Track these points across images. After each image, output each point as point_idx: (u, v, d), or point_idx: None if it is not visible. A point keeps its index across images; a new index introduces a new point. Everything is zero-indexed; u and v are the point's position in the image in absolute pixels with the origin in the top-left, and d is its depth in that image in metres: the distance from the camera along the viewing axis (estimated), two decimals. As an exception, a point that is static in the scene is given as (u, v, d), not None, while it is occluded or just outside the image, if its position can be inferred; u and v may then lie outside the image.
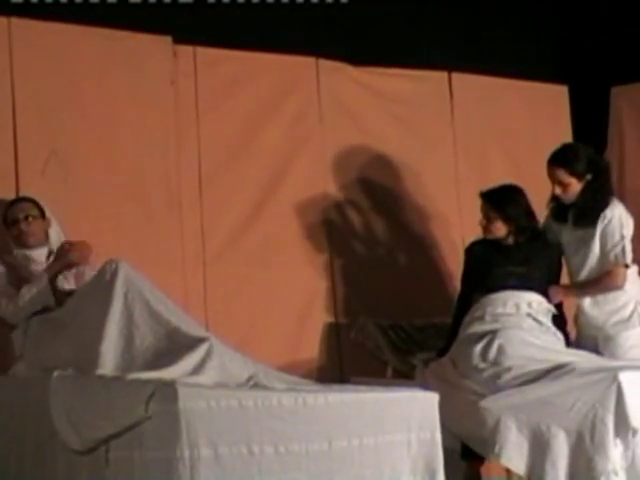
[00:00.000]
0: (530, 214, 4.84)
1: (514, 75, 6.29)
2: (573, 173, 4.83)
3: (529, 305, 4.71)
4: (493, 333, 4.61)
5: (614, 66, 6.38)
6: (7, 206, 4.70)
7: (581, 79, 6.52)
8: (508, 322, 4.66)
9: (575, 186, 4.84)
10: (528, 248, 4.80)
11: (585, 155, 4.88)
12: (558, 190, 4.86)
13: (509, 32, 6.38)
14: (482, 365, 4.53)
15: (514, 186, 4.87)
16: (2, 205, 4.77)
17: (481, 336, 4.63)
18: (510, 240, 4.84)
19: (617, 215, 4.82)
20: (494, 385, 4.46)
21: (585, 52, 6.56)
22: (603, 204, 4.83)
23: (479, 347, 4.58)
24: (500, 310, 4.69)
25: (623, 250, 4.78)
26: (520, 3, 6.45)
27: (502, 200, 4.80)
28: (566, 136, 6.19)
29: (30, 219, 4.66)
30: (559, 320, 4.84)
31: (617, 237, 4.79)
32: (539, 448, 4.30)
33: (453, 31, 6.20)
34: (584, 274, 4.86)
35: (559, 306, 4.88)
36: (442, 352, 4.86)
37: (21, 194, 4.83)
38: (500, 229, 4.81)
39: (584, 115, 6.48)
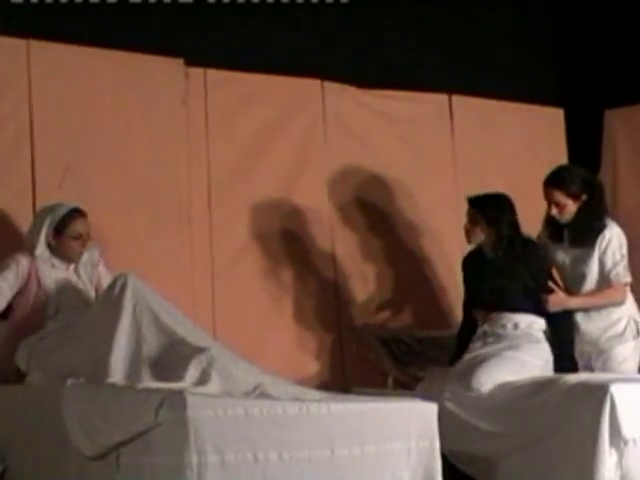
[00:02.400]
0: (513, 224, 4.78)
1: (512, 98, 6.36)
2: (569, 194, 4.86)
3: (516, 326, 4.73)
4: (484, 355, 4.68)
5: (608, 90, 6.43)
6: (68, 215, 4.57)
7: (576, 102, 6.57)
8: (503, 343, 4.71)
9: (571, 207, 4.87)
10: (511, 260, 4.74)
11: (580, 176, 4.92)
12: (554, 211, 4.88)
13: (508, 57, 6.42)
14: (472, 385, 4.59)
15: (502, 194, 4.86)
16: (20, 218, 4.82)
17: (475, 357, 4.70)
18: (490, 250, 4.80)
19: (616, 235, 4.87)
20: (485, 405, 4.55)
21: (581, 77, 6.60)
22: (600, 224, 4.87)
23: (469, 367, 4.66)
24: (499, 331, 4.74)
25: (625, 268, 4.85)
26: (519, 29, 6.49)
27: (485, 203, 4.79)
28: (562, 157, 6.28)
29: (88, 239, 4.59)
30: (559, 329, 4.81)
31: (618, 256, 4.84)
32: (541, 466, 4.37)
33: (454, 55, 6.23)
34: (585, 290, 4.88)
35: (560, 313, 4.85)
36: (451, 361, 4.88)
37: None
38: (479, 233, 4.78)
39: (579, 137, 6.52)
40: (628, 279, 4.88)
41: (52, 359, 4.30)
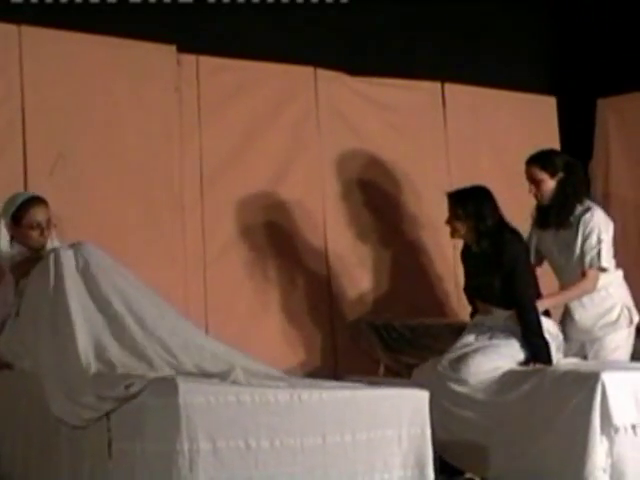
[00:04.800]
0: (494, 216, 4.74)
1: (505, 86, 6.38)
2: (546, 169, 4.91)
3: (505, 320, 4.71)
4: (476, 346, 4.70)
5: (600, 79, 6.47)
6: (24, 203, 4.45)
7: (569, 91, 6.60)
8: (495, 334, 4.72)
9: (548, 183, 4.92)
10: (493, 254, 4.72)
11: (559, 156, 5.01)
12: (533, 189, 4.92)
13: (501, 45, 6.44)
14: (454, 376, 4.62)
15: (480, 187, 4.83)
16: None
17: (467, 347, 4.72)
18: (474, 245, 4.79)
19: (596, 219, 4.88)
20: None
21: (573, 65, 6.64)
22: (582, 208, 4.89)
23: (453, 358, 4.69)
24: (490, 323, 4.75)
25: (599, 254, 4.84)
26: (511, 18, 6.51)
27: (463, 198, 4.77)
28: (554, 145, 6.24)
29: (48, 227, 4.44)
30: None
31: (594, 241, 4.85)
32: (533, 454, 4.38)
33: (447, 43, 6.25)
34: (568, 275, 4.92)
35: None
36: None
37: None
38: (460, 228, 4.78)
39: (571, 125, 6.55)
40: (604, 264, 4.86)
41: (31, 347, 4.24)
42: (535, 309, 4.69)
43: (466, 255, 4.92)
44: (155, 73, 5.32)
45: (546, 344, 4.64)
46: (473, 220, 4.75)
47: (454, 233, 4.84)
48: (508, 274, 4.70)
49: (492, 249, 4.73)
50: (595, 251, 4.86)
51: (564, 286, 4.96)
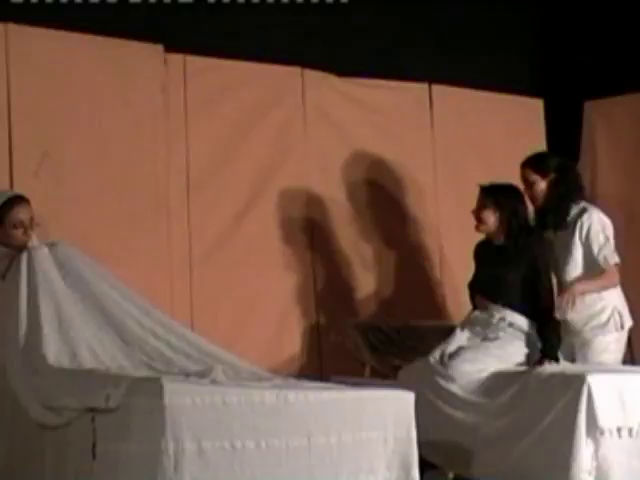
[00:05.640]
0: (523, 213, 4.81)
1: (492, 88, 6.40)
2: (537, 170, 4.97)
3: (503, 319, 4.74)
4: (465, 347, 4.73)
5: (587, 81, 6.50)
6: (7, 202, 4.39)
7: (556, 93, 6.62)
8: (487, 334, 4.75)
9: (540, 184, 4.98)
10: (517, 250, 4.76)
11: (552, 158, 5.07)
12: (527, 192, 4.96)
13: (488, 47, 6.44)
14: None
15: (513, 184, 4.89)
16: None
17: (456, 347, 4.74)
18: (499, 238, 4.81)
19: (596, 219, 4.93)
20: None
21: (560, 67, 6.66)
22: (579, 208, 4.93)
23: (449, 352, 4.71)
24: (487, 320, 4.76)
25: (610, 250, 4.89)
26: (499, 20, 6.51)
27: (497, 191, 4.81)
28: (541, 147, 6.25)
29: (31, 226, 4.37)
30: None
31: (602, 240, 4.90)
32: (517, 456, 4.40)
33: (434, 45, 6.26)
34: (569, 277, 4.94)
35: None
36: None
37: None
38: (487, 219, 4.81)
39: (558, 127, 6.58)
40: (616, 260, 4.92)
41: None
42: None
43: (483, 249, 4.91)
44: (142, 73, 5.29)
45: (559, 343, 4.69)
46: (505, 213, 4.78)
47: (480, 225, 4.84)
48: (538, 274, 4.73)
49: (524, 245, 4.75)
50: (607, 249, 4.90)
51: (588, 279, 4.95)
